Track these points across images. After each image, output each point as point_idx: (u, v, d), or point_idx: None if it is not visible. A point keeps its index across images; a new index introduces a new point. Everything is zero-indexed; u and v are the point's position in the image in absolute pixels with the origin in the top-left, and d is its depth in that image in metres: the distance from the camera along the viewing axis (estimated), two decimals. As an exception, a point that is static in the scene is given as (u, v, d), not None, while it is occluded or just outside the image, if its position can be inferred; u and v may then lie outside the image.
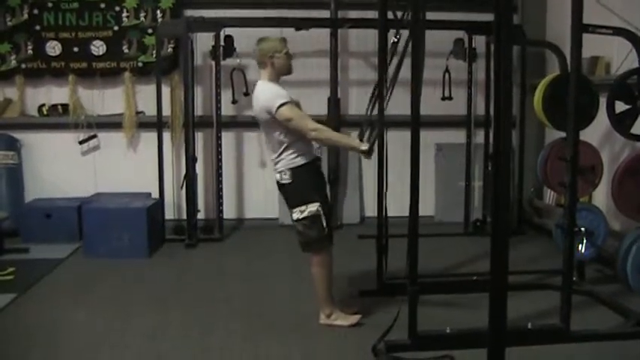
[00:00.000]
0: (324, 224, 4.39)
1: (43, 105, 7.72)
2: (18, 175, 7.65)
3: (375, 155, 4.60)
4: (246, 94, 7.36)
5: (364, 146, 4.37)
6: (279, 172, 4.43)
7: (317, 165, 4.57)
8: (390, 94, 4.52)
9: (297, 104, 4.44)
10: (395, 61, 4.53)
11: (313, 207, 4.36)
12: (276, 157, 4.44)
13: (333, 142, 4.69)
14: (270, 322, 4.65)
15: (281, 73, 4.51)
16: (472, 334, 3.89)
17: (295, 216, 4.41)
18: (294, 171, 4.38)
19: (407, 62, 3.87)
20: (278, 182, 4.49)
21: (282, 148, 4.38)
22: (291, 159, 4.38)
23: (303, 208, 4.36)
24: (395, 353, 3.91)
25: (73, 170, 7.80)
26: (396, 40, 4.62)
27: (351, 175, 8.04)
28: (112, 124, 7.76)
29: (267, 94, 4.37)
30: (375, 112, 4.74)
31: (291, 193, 4.44)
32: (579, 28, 3.94)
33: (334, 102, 7.69)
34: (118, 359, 4.07)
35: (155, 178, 7.11)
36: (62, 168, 7.79)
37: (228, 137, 7.68)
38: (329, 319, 4.53)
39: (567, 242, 4.10)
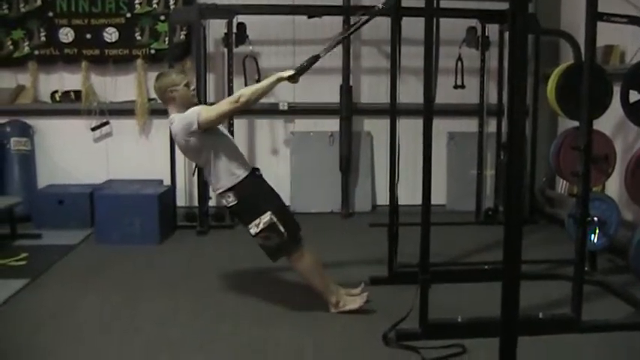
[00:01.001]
0: (282, 229, 4.38)
1: (56, 91, 7.75)
2: (31, 162, 7.68)
3: (387, 143, 4.57)
4: (259, 81, 7.35)
5: (287, 73, 4.38)
6: (223, 197, 4.46)
7: (257, 175, 4.58)
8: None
9: None
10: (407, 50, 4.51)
11: (266, 217, 4.35)
12: (216, 182, 4.45)
13: (262, 92, 4.47)
14: (281, 309, 4.66)
15: (186, 104, 4.48)
16: (483, 323, 3.89)
17: (253, 231, 4.39)
18: (236, 189, 4.39)
19: (420, 51, 3.85)
20: (226, 207, 4.53)
21: (217, 166, 4.39)
22: (228, 177, 4.40)
23: (257, 221, 4.36)
24: (405, 342, 3.92)
25: (86, 157, 7.84)
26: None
27: (363, 164, 8.04)
28: (125, 111, 7.78)
29: (181, 121, 4.36)
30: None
31: (241, 211, 4.48)
32: (594, 16, 3.91)
33: (346, 90, 7.68)
34: (129, 344, 4.09)
35: (167, 165, 7.11)
36: (75, 154, 7.82)
37: (239, 124, 7.67)
38: (338, 307, 4.53)
39: (579, 232, 4.09)
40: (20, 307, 4.72)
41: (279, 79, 4.41)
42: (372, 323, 4.28)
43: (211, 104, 4.28)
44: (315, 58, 4.44)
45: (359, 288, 4.72)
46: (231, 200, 4.42)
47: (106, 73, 7.80)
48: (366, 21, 4.69)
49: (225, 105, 4.35)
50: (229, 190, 4.40)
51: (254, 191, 4.46)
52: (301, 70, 4.41)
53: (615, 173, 5.59)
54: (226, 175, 4.40)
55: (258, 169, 4.60)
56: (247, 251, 6.23)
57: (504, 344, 2.69)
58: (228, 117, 4.29)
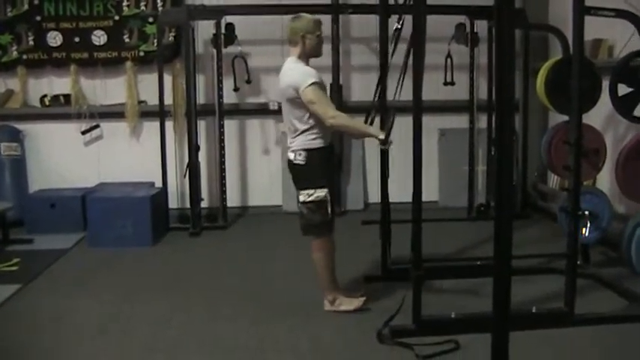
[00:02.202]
0: (329, 210, 4.38)
1: (45, 96, 7.72)
2: (21, 166, 7.65)
3: (376, 142, 4.57)
4: (248, 81, 7.36)
5: (382, 135, 4.35)
6: (294, 152, 4.40)
7: (331, 151, 4.56)
8: (402, 80, 4.44)
9: (325, 87, 4.45)
10: (399, 47, 4.50)
11: (322, 192, 4.34)
12: (294, 136, 4.40)
13: (350, 130, 4.60)
14: (276, 308, 4.66)
15: (310, 55, 4.48)
16: (476, 319, 3.90)
17: (302, 198, 4.39)
18: (309, 153, 4.35)
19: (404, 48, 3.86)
20: (290, 161, 4.45)
21: (302, 128, 4.35)
22: (308, 140, 4.35)
23: (311, 191, 4.35)
24: (400, 338, 3.93)
25: (77, 160, 7.81)
26: (399, 26, 4.57)
27: (354, 161, 8.03)
28: (115, 113, 7.76)
29: (295, 72, 4.34)
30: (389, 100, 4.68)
31: (302, 174, 4.41)
32: (581, 10, 3.92)
33: (336, 88, 7.68)
34: (125, 347, 4.08)
35: (158, 167, 7.11)
36: (65, 158, 7.79)
37: (230, 125, 7.67)
38: (333, 305, 4.53)
39: (571, 225, 4.10)
40: (14, 312, 4.71)
41: (371, 136, 4.43)
42: (366, 321, 4.29)
43: (309, 87, 4.21)
44: (393, 115, 4.45)
45: (358, 294, 4.70)
46: (300, 159, 4.37)
47: (95, 76, 7.78)
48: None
49: (322, 109, 4.25)
50: (304, 150, 4.36)
51: (322, 163, 4.41)
52: (388, 134, 4.39)
53: (606, 167, 5.61)
54: (307, 136, 4.36)
55: (333, 146, 4.58)
56: (241, 251, 6.26)
57: (496, 339, 2.69)
58: (317, 116, 4.25)
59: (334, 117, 4.27)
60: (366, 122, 4.62)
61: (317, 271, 4.56)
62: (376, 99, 4.72)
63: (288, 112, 4.42)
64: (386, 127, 4.46)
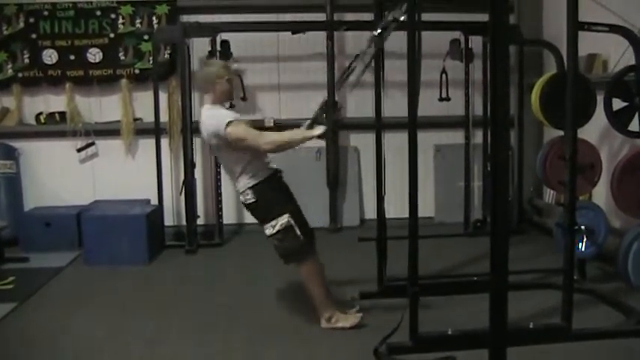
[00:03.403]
0: (298, 233, 4.38)
1: (41, 113, 7.73)
2: (16, 184, 7.64)
3: (374, 158, 4.57)
4: (244, 98, 7.37)
5: (318, 131, 4.33)
6: (242, 194, 4.44)
7: (278, 177, 4.58)
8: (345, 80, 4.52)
9: (245, 121, 4.47)
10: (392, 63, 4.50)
11: (283, 219, 4.36)
12: (236, 179, 4.44)
13: (289, 145, 4.48)
14: (272, 326, 4.64)
15: (224, 99, 4.55)
16: (474, 335, 3.88)
17: (268, 232, 4.41)
18: (256, 188, 4.38)
19: (404, 64, 3.85)
20: (243, 204, 4.50)
21: (239, 169, 4.38)
22: (249, 178, 4.39)
23: (273, 222, 4.36)
24: (396, 355, 3.91)
25: (72, 178, 7.80)
26: (375, 34, 4.52)
27: (351, 178, 8.03)
28: (110, 131, 7.76)
29: (213, 118, 4.37)
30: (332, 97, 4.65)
31: (259, 211, 4.46)
32: (575, 26, 3.93)
33: (332, 105, 7.68)
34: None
35: (154, 184, 7.10)
36: (61, 176, 7.79)
37: (226, 142, 7.67)
38: (330, 322, 4.52)
39: (568, 241, 4.09)
40: (9, 331, 4.68)
41: (311, 137, 4.38)
42: (362, 338, 4.27)
43: (229, 125, 4.23)
44: (337, 106, 4.43)
45: (354, 310, 4.69)
46: (249, 198, 4.40)
47: (90, 94, 7.78)
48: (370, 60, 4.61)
49: (252, 141, 4.27)
50: (249, 188, 4.39)
51: (273, 192, 4.45)
52: (330, 125, 4.41)
53: (602, 181, 5.61)
54: (248, 174, 4.38)
55: (280, 171, 4.59)
56: (237, 269, 6.24)
57: (493, 355, 2.68)
58: (250, 149, 4.28)
59: (267, 142, 4.29)
60: (313, 124, 4.56)
61: (310, 294, 4.56)
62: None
63: (221, 158, 4.53)
64: (327, 120, 4.44)
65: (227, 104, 4.62)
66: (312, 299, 4.57)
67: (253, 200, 4.40)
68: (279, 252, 4.47)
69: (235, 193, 7.68)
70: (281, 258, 4.51)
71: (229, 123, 4.24)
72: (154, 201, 7.23)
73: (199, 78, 4.61)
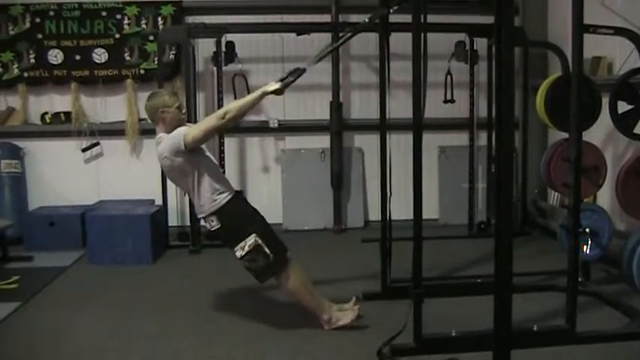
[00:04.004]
0: (267, 251, 4.37)
1: (46, 113, 7.74)
2: (21, 183, 7.66)
3: (378, 159, 4.56)
4: (248, 99, 7.37)
5: (272, 86, 4.33)
6: (207, 220, 4.46)
7: (239, 197, 4.61)
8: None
9: None
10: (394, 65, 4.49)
11: (250, 240, 4.35)
12: (199, 204, 4.46)
13: (248, 107, 4.43)
14: (275, 327, 4.64)
15: (174, 126, 4.51)
16: (478, 337, 3.88)
17: (238, 254, 4.41)
18: (219, 213, 4.40)
19: (409, 66, 3.85)
20: (209, 230, 4.53)
21: (200, 189, 4.40)
22: (212, 200, 4.41)
23: (242, 244, 4.37)
24: (400, 357, 3.91)
25: (77, 178, 7.82)
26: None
27: (355, 179, 8.03)
28: (115, 131, 7.78)
29: (168, 140, 4.37)
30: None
31: (226, 235, 4.48)
32: (580, 28, 3.93)
33: (336, 106, 7.69)
34: (124, 365, 4.07)
35: (158, 184, 7.09)
36: (65, 176, 7.80)
37: (230, 143, 7.68)
38: (330, 323, 4.51)
39: (572, 243, 4.09)
40: (13, 330, 4.69)
41: (265, 93, 4.35)
42: (366, 339, 4.27)
43: (184, 137, 4.27)
44: (301, 71, 4.40)
45: (350, 302, 4.69)
46: (214, 224, 4.44)
47: (95, 94, 7.80)
48: (353, 34, 4.66)
49: (212, 121, 4.33)
50: (212, 214, 4.42)
51: (237, 214, 4.47)
52: (286, 83, 4.37)
53: (606, 184, 5.60)
54: (209, 199, 4.41)
55: (241, 192, 4.62)
56: (240, 270, 6.22)
57: (497, 357, 2.68)
58: (215, 133, 4.29)
59: (224, 114, 4.29)
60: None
61: (298, 301, 4.57)
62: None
63: (182, 181, 4.52)
64: (285, 80, 4.36)
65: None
66: (305, 308, 4.57)
67: (218, 226, 4.43)
68: (252, 272, 4.48)
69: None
70: (258, 277, 4.51)
71: (186, 133, 4.29)
72: (158, 201, 7.23)
73: (147, 111, 4.58)
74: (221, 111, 4.38)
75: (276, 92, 4.35)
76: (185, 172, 4.40)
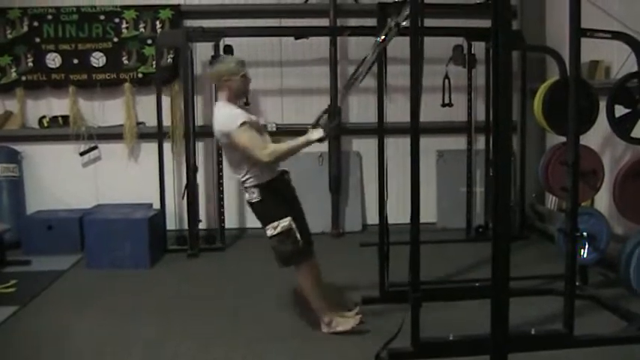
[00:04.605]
0: (298, 237, 4.38)
1: (44, 117, 7.74)
2: (19, 187, 7.65)
3: (376, 163, 4.56)
4: (247, 103, 7.37)
5: (316, 134, 4.34)
6: (248, 191, 4.43)
7: (285, 178, 4.58)
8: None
9: (257, 123, 4.45)
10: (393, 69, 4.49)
11: (285, 222, 4.35)
12: (242, 177, 4.43)
13: (290, 154, 4.48)
14: (273, 331, 4.64)
15: (238, 96, 4.51)
16: (475, 341, 3.88)
17: (269, 233, 4.39)
18: (262, 188, 4.38)
19: (406, 70, 3.86)
20: (248, 202, 4.49)
21: (246, 167, 4.37)
22: (257, 176, 4.38)
23: (275, 224, 4.35)
24: (398, 361, 3.91)
25: (75, 182, 7.81)
26: (382, 39, 4.51)
27: (353, 183, 8.04)
28: (113, 135, 7.77)
29: (224, 117, 4.35)
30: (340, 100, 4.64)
31: (262, 211, 4.44)
32: (578, 32, 3.94)
33: (334, 110, 7.69)
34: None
35: (156, 188, 7.11)
36: (63, 179, 7.79)
37: (229, 147, 7.67)
38: (330, 327, 4.52)
39: (569, 247, 4.09)
40: (11, 334, 4.69)
41: (309, 142, 4.39)
42: (364, 343, 4.27)
43: (239, 129, 4.23)
44: (330, 110, 4.41)
45: (353, 311, 4.70)
46: (255, 197, 4.39)
47: (93, 98, 7.80)
48: (381, 49, 4.58)
49: (254, 152, 4.25)
50: (255, 186, 4.38)
51: (279, 193, 4.44)
52: (332, 128, 4.39)
53: (604, 187, 5.60)
54: (255, 172, 4.37)
55: (287, 172, 4.58)
56: (239, 273, 6.24)
57: (496, 361, 2.69)
58: (250, 160, 4.28)
59: (268, 154, 4.27)
60: (316, 124, 4.54)
61: (306, 296, 4.57)
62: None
63: (230, 155, 4.47)
64: (326, 126, 4.40)
65: (240, 102, 4.56)
66: (310, 304, 4.58)
67: (258, 199, 4.39)
68: (277, 254, 4.46)
69: (238, 197, 7.81)
70: (278, 260, 4.49)
71: (240, 125, 4.23)
72: (157, 205, 7.24)
73: (213, 74, 4.53)
74: (268, 150, 4.30)
75: (320, 140, 4.37)
76: (233, 148, 4.34)
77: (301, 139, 4.39)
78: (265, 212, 4.42)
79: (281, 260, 4.48)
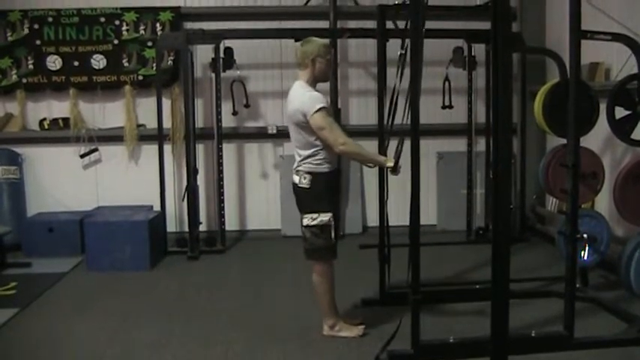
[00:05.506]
0: (333, 235, 4.37)
1: (44, 119, 7.73)
2: (20, 190, 7.64)
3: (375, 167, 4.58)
4: (247, 105, 7.39)
5: (390, 162, 4.34)
6: (299, 175, 4.39)
7: (336, 176, 4.57)
8: (400, 104, 4.44)
9: (331, 110, 4.43)
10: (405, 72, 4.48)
11: (325, 217, 4.33)
12: (301, 159, 4.39)
13: (359, 157, 4.59)
14: (273, 333, 4.64)
15: (319, 79, 4.47)
16: (475, 343, 3.88)
17: (306, 222, 4.37)
18: (314, 177, 4.34)
19: (407, 72, 3.87)
20: (295, 184, 4.44)
21: (309, 152, 4.34)
22: (314, 164, 4.34)
23: (315, 215, 4.33)
24: (398, 363, 3.91)
25: (75, 184, 7.80)
26: (403, 52, 4.52)
27: (353, 185, 8.03)
28: (113, 137, 7.76)
29: (304, 97, 4.30)
30: (396, 124, 4.63)
31: (307, 198, 4.39)
32: (578, 34, 3.94)
33: (335, 112, 7.69)
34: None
35: (157, 190, 7.11)
36: (64, 182, 7.79)
37: (229, 149, 7.67)
38: (332, 330, 4.51)
39: (570, 249, 4.09)
40: (11, 336, 4.69)
41: (379, 163, 4.46)
42: (364, 345, 4.27)
43: (317, 112, 4.22)
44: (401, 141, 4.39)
45: (357, 321, 4.68)
46: (305, 182, 4.35)
47: (94, 100, 7.79)
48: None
49: (332, 135, 4.24)
50: (309, 173, 4.35)
51: (329, 187, 4.42)
52: (398, 161, 4.35)
53: (604, 189, 5.60)
54: (315, 160, 4.35)
55: (340, 171, 4.57)
56: (239, 276, 6.24)
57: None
58: (323, 142, 4.26)
59: (344, 144, 4.25)
60: (381, 149, 4.56)
61: (317, 296, 4.55)
62: (388, 124, 4.64)
63: (296, 135, 4.42)
64: (395, 153, 4.41)
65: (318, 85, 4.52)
66: (319, 303, 4.56)
67: (307, 186, 4.36)
68: (307, 245, 4.42)
69: (238, 200, 7.81)
70: (306, 251, 4.46)
71: (319, 110, 4.21)
72: (157, 207, 7.24)
73: (299, 55, 4.47)
74: (345, 139, 4.29)
75: (392, 170, 4.37)
76: (304, 129, 4.32)
77: (373, 153, 4.44)
78: (309, 201, 4.39)
79: (308, 252, 4.46)
